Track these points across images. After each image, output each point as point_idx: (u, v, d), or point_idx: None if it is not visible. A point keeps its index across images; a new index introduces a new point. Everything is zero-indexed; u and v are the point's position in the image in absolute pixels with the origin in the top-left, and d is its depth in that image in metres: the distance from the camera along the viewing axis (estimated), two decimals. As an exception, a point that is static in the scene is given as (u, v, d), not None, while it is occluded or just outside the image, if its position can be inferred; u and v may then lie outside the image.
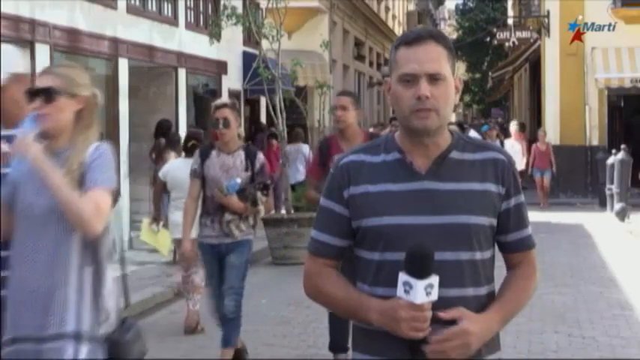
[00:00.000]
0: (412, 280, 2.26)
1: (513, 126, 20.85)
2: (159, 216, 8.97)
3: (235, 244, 6.40)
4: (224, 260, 6.43)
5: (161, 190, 8.81)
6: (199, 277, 7.83)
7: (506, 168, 2.51)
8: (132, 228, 13.20)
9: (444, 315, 2.32)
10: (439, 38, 2.44)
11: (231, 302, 6.37)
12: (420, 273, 2.26)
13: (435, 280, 2.27)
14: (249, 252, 6.56)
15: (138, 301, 9.06)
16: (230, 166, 6.36)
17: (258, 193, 6.30)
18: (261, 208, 6.41)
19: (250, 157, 6.43)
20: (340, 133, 6.29)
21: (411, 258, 2.27)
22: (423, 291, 2.25)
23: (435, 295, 2.28)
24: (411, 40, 2.43)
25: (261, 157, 6.49)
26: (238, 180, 6.25)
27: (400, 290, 2.28)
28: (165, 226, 8.93)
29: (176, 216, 8.04)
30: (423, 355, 2.34)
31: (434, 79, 2.39)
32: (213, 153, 6.44)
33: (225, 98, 6.87)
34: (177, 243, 8.20)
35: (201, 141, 8.39)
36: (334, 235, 2.51)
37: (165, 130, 13.31)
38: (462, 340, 2.32)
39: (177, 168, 8.25)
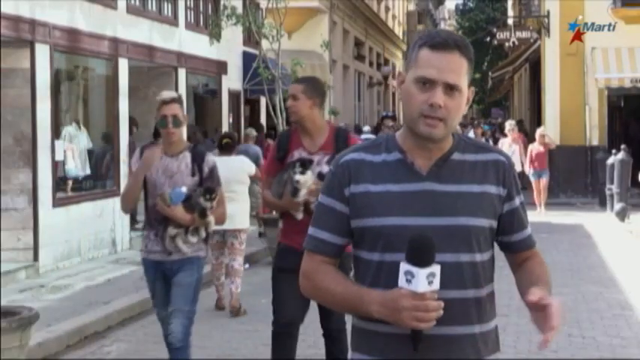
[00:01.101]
0: (414, 269, 2.25)
1: (509, 125, 19.98)
2: None
3: (184, 261, 5.54)
4: (172, 279, 5.59)
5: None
6: (238, 262, 8.95)
7: (507, 169, 2.51)
8: (132, 228, 13.20)
9: (531, 298, 2.39)
10: (464, 49, 2.42)
11: (178, 327, 5.55)
12: (422, 261, 2.26)
13: (436, 269, 2.27)
14: (201, 270, 5.70)
15: (138, 301, 9.07)
16: (174, 172, 5.48)
17: (205, 202, 5.43)
18: (211, 219, 5.52)
19: (198, 160, 5.54)
20: (301, 126, 5.42)
21: (413, 247, 2.27)
22: (425, 280, 2.24)
23: (436, 285, 2.27)
24: (437, 44, 2.40)
25: (210, 159, 5.61)
26: (183, 189, 5.41)
27: (402, 280, 2.27)
28: None
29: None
30: (425, 346, 2.33)
31: (451, 89, 2.38)
32: (149, 151, 5.54)
33: (171, 92, 6.17)
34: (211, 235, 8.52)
35: (235, 140, 9.43)
36: (334, 232, 2.51)
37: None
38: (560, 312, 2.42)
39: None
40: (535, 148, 18.10)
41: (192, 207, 5.42)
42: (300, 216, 5.24)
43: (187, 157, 5.54)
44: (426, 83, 2.38)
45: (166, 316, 5.61)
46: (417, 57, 2.42)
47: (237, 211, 8.60)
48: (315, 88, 5.49)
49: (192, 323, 5.70)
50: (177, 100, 5.55)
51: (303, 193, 5.14)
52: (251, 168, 9.24)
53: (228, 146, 9.01)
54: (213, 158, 5.66)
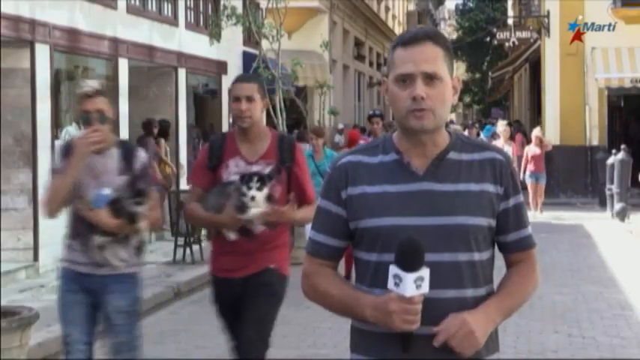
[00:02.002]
0: (401, 273, 2.26)
1: (501, 126, 19.49)
2: None
3: (116, 278, 4.66)
4: (101, 300, 4.67)
5: None
6: None
7: (505, 168, 2.51)
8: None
9: (436, 329, 2.33)
10: (436, 38, 2.43)
11: None
12: (410, 266, 2.26)
13: (425, 273, 2.27)
14: (138, 288, 4.84)
15: (138, 301, 9.07)
16: (100, 171, 4.67)
17: (134, 205, 4.63)
18: (143, 225, 4.67)
19: (127, 157, 4.74)
20: (241, 131, 4.65)
21: (401, 251, 2.28)
22: (412, 284, 2.26)
23: (425, 288, 2.28)
24: (407, 40, 2.42)
25: (142, 155, 4.81)
26: (106, 191, 4.60)
27: (390, 283, 2.29)
28: None
29: None
30: (415, 348, 2.34)
31: (430, 79, 2.39)
32: (79, 139, 4.72)
33: (94, 82, 5.02)
34: None
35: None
36: (331, 235, 2.52)
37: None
38: (465, 330, 2.31)
39: None
40: (531, 150, 17.57)
41: (120, 211, 4.60)
42: (232, 236, 4.58)
43: (115, 153, 4.73)
44: (406, 80, 2.39)
45: (78, 341, 4.70)
46: (392, 59, 2.45)
47: None
48: (264, 85, 4.90)
49: (139, 353, 4.85)
50: (103, 92, 4.72)
51: (252, 213, 4.43)
52: None
53: None
54: (144, 154, 4.87)
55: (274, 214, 4.48)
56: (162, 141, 14.16)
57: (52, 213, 4.71)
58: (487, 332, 2.38)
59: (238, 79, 4.83)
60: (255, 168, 4.56)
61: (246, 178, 4.48)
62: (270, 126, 5.63)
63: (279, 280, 4.74)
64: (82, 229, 4.65)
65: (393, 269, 2.28)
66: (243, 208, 4.44)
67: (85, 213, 4.59)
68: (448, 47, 2.46)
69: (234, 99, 4.67)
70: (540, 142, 17.50)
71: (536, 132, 18.08)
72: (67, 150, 4.67)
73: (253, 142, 4.66)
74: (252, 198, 4.42)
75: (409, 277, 2.25)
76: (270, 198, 4.50)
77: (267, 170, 4.56)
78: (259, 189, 4.44)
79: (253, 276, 4.64)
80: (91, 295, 4.67)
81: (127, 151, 4.78)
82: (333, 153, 10.52)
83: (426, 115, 2.39)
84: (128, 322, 4.73)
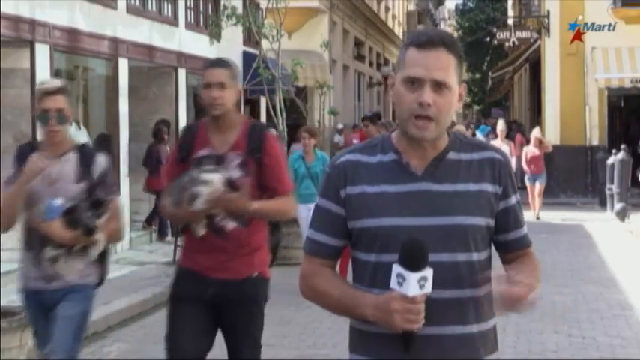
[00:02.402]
0: (405, 272, 2.26)
1: (500, 125, 18.88)
2: None
3: (68, 290, 4.39)
4: (53, 314, 4.40)
5: None
6: None
7: (503, 167, 2.51)
8: (132, 228, 13.20)
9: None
10: (451, 45, 2.41)
11: None
12: (414, 265, 2.26)
13: (429, 273, 2.28)
14: (90, 302, 4.55)
15: (138, 301, 9.07)
16: (56, 178, 4.33)
17: (90, 217, 4.31)
18: (100, 237, 4.36)
19: (86, 162, 4.39)
20: (213, 120, 4.32)
21: (405, 250, 2.28)
22: (416, 283, 2.26)
23: (428, 288, 2.28)
24: (422, 43, 2.40)
25: (102, 160, 4.45)
26: (58, 201, 4.25)
27: (394, 282, 2.29)
28: None
29: None
30: (416, 350, 2.34)
31: (439, 87, 2.37)
32: (34, 157, 4.32)
33: (56, 80, 4.82)
34: None
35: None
36: (330, 234, 2.51)
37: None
38: (525, 283, 2.32)
39: None
40: (530, 150, 17.14)
41: (75, 223, 4.27)
42: (200, 232, 4.20)
43: (73, 159, 4.39)
44: (415, 82, 2.38)
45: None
46: (404, 58, 2.42)
47: None
48: (237, 72, 4.56)
49: None
50: (64, 90, 4.38)
51: (201, 201, 4.01)
52: None
53: None
54: (105, 160, 4.50)
55: (223, 200, 4.03)
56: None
57: (3, 228, 4.43)
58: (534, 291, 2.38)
59: (210, 65, 4.44)
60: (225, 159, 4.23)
61: (195, 163, 4.16)
62: (250, 119, 5.34)
63: (263, 288, 4.40)
64: (34, 241, 4.38)
65: (397, 268, 2.28)
66: (192, 198, 4.02)
67: (37, 224, 4.30)
68: (460, 55, 2.45)
69: (205, 85, 4.30)
70: (540, 144, 17.11)
71: (535, 133, 17.71)
72: (22, 156, 4.38)
73: (224, 132, 4.29)
74: (206, 182, 4.00)
75: (413, 277, 2.25)
76: (232, 185, 4.10)
77: (235, 161, 4.21)
78: (214, 171, 4.06)
79: (235, 284, 4.23)
80: (47, 310, 4.41)
81: (85, 156, 4.42)
82: (324, 155, 10.33)
83: (428, 125, 2.37)
84: (70, 329, 4.36)
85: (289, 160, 10.21)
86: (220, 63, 4.48)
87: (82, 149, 4.48)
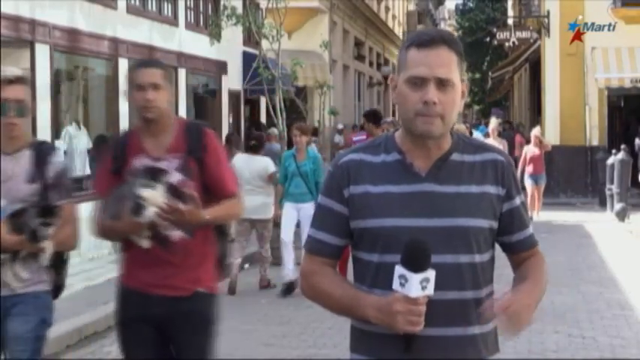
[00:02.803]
0: (408, 274, 2.26)
1: (493, 123, 17.94)
2: None
3: (18, 299, 3.95)
4: (3, 325, 3.99)
5: None
6: (265, 249, 10.05)
7: (506, 169, 2.51)
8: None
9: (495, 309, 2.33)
10: (451, 43, 2.42)
11: None
12: (416, 267, 2.26)
13: (431, 274, 2.27)
14: (46, 311, 4.10)
15: (138, 301, 9.07)
16: (9, 175, 3.94)
17: (38, 224, 3.88)
18: (48, 244, 3.93)
19: (40, 161, 3.99)
20: (146, 125, 3.94)
21: (408, 252, 2.28)
22: (418, 285, 2.26)
23: (430, 290, 2.28)
24: (423, 42, 2.40)
25: (57, 161, 4.08)
26: (2, 203, 3.90)
27: (396, 283, 2.29)
28: None
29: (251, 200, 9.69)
30: (418, 350, 2.34)
31: (442, 84, 2.37)
32: None
33: (15, 68, 4.05)
34: (240, 222, 9.56)
35: (262, 142, 10.16)
36: (332, 233, 2.51)
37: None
38: (527, 307, 2.34)
39: (241, 162, 9.85)
40: (530, 150, 16.65)
41: (21, 227, 3.87)
42: (145, 243, 3.83)
43: (27, 156, 3.98)
44: (418, 82, 2.38)
45: None
46: (406, 58, 2.42)
47: (265, 202, 9.83)
48: (170, 72, 4.18)
49: None
50: (24, 80, 4.01)
51: (150, 212, 3.69)
52: (271, 170, 10.03)
53: (255, 147, 10.14)
54: (61, 160, 4.18)
55: (172, 212, 3.71)
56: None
57: None
58: (533, 310, 2.40)
59: (141, 64, 4.05)
60: (162, 164, 3.86)
61: (131, 176, 3.81)
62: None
63: (212, 304, 4.00)
64: None
65: (399, 269, 2.28)
66: (137, 208, 3.70)
67: None
68: (461, 52, 2.45)
69: (138, 87, 3.89)
70: (540, 143, 16.73)
71: (535, 132, 17.29)
72: None
73: (159, 136, 3.93)
74: (141, 198, 3.68)
75: (415, 278, 2.25)
76: (177, 193, 3.76)
77: (174, 165, 3.86)
78: (149, 186, 3.72)
79: (181, 301, 3.86)
80: None
81: (41, 154, 3.99)
82: (316, 153, 10.19)
83: (435, 121, 2.38)
84: (27, 348, 4.02)
85: (282, 158, 10.11)
86: (153, 63, 4.20)
87: (38, 146, 4.06)
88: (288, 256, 9.65)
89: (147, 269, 3.85)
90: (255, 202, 9.43)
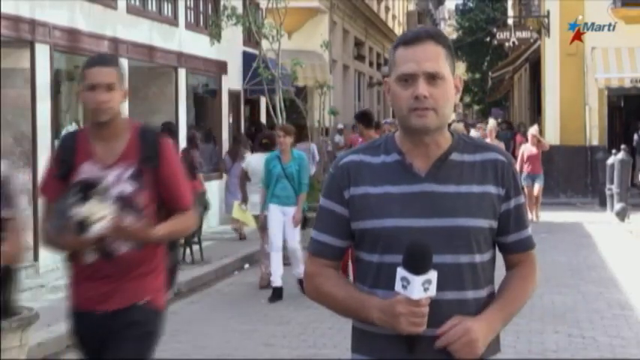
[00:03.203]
0: (409, 276, 2.26)
1: (490, 124, 17.98)
2: (245, 198, 10.95)
3: None
4: None
5: (244, 178, 10.93)
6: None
7: (506, 169, 2.51)
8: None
9: (440, 332, 2.33)
10: (437, 37, 2.43)
11: None
12: (418, 269, 2.27)
13: (433, 276, 2.28)
14: None
15: (138, 301, 9.07)
16: None
17: None
18: None
19: None
20: (97, 128, 3.66)
21: (409, 253, 2.28)
22: (420, 286, 2.26)
23: (433, 291, 2.28)
24: (409, 39, 2.43)
25: (3, 169, 3.79)
26: None
27: (398, 285, 2.29)
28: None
29: (254, 197, 10.47)
30: (420, 351, 2.35)
31: (432, 78, 2.39)
32: None
33: None
34: (256, 218, 10.44)
35: (274, 141, 10.30)
36: (334, 235, 2.51)
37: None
38: (467, 338, 2.33)
39: (255, 161, 10.43)
40: (527, 149, 16.47)
41: None
42: (89, 257, 3.60)
43: None
44: (408, 79, 2.40)
45: None
46: (394, 59, 2.45)
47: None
48: (124, 71, 3.90)
49: None
50: None
51: (95, 228, 3.43)
52: None
53: (267, 145, 10.58)
54: (7, 168, 3.86)
55: (118, 230, 3.48)
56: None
57: None
58: (488, 341, 2.40)
59: (94, 63, 3.70)
60: (112, 173, 3.58)
61: (69, 191, 3.50)
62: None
63: (152, 317, 3.72)
64: None
65: (401, 272, 2.28)
66: (82, 226, 3.43)
67: None
68: (449, 46, 2.46)
69: (90, 87, 3.59)
70: (538, 142, 16.50)
71: (532, 130, 17.11)
72: None
73: (110, 141, 3.63)
74: (76, 216, 3.40)
75: (417, 280, 2.26)
76: (128, 205, 3.54)
77: (126, 174, 3.59)
78: (81, 203, 3.41)
79: (120, 313, 3.61)
80: None
81: None
82: (301, 154, 9.89)
83: (428, 113, 2.38)
84: None
85: (265, 161, 9.80)
86: (107, 61, 3.78)
87: None
88: (277, 261, 9.49)
89: (90, 283, 3.62)
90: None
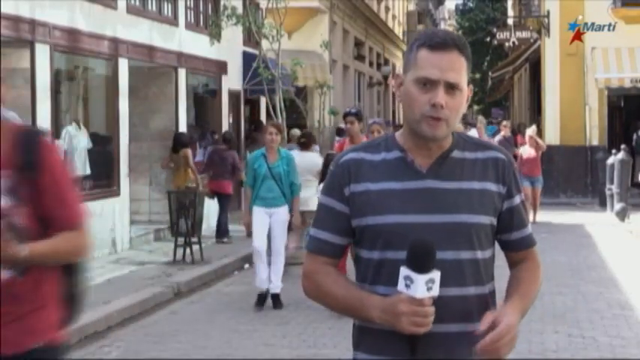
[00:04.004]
0: (413, 275, 2.26)
1: (479, 122, 17.98)
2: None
3: None
4: None
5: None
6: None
7: (507, 167, 2.52)
8: (132, 228, 13.20)
9: (478, 332, 2.32)
10: (462, 48, 2.42)
11: None
12: (422, 267, 2.26)
13: (436, 275, 2.27)
14: None
15: (138, 301, 9.07)
16: None
17: None
18: None
19: None
20: None
21: (413, 252, 2.28)
22: (423, 286, 2.25)
23: (436, 291, 2.28)
24: (435, 44, 2.40)
25: None
26: None
27: (401, 284, 2.28)
28: None
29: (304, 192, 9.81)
30: (423, 351, 2.34)
31: (452, 88, 2.38)
32: None
33: None
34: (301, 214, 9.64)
35: (311, 139, 11.04)
36: (334, 233, 2.51)
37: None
38: (512, 335, 2.33)
39: (297, 158, 9.75)
40: (526, 151, 15.93)
41: None
42: None
43: None
44: (427, 84, 2.38)
45: None
46: (416, 58, 2.42)
47: (313, 194, 9.76)
48: None
49: None
50: None
51: None
52: (319, 165, 10.19)
53: (305, 144, 10.90)
54: None
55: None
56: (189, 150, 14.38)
57: None
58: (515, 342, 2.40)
59: None
60: None
61: None
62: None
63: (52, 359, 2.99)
64: None
65: (404, 271, 2.27)
66: None
67: None
68: (470, 58, 2.46)
69: None
70: (536, 143, 15.98)
71: (529, 132, 16.52)
72: None
73: None
74: None
75: (421, 279, 2.25)
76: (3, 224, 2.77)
77: (6, 186, 2.84)
78: None
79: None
80: None
81: None
82: (288, 153, 9.43)
83: (441, 124, 2.38)
84: None
85: (248, 160, 9.48)
86: None
87: None
88: (261, 265, 9.06)
89: None
90: (305, 194, 9.74)
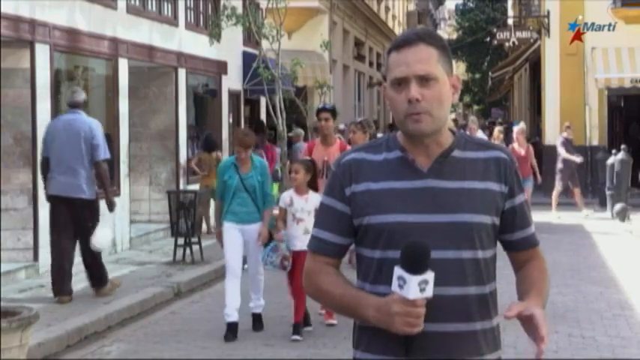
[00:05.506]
0: (406, 275, 2.25)
1: (472, 123, 17.30)
2: None
3: None
4: None
5: None
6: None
7: (509, 167, 2.52)
8: (132, 228, 13.19)
9: (509, 314, 2.35)
10: (428, 39, 2.42)
11: None
12: (415, 268, 2.26)
13: (430, 276, 2.27)
14: None
15: (138, 301, 9.07)
16: None
17: None
18: None
19: None
20: None
21: (407, 253, 2.27)
22: (416, 287, 2.25)
23: (429, 292, 2.27)
24: (399, 43, 2.43)
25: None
26: None
27: (395, 285, 2.28)
28: None
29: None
30: (417, 350, 2.34)
31: (425, 80, 2.38)
32: None
33: None
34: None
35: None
36: (335, 232, 2.51)
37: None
38: (546, 327, 2.43)
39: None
40: (516, 149, 14.65)
41: None
42: None
43: None
44: (401, 83, 2.40)
45: None
46: (388, 63, 2.46)
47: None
48: None
49: None
50: None
51: None
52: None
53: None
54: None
55: None
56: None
57: None
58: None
59: None
60: None
61: None
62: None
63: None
64: None
65: (398, 271, 2.27)
66: None
67: None
68: (443, 46, 2.45)
69: None
70: (525, 140, 15.06)
71: (517, 129, 15.42)
72: None
73: None
74: None
75: (414, 280, 2.25)
76: None
77: None
78: None
79: None
80: None
81: None
82: (262, 161, 8.19)
83: (423, 118, 2.39)
84: None
85: (218, 169, 8.47)
86: None
87: None
88: (234, 290, 7.81)
89: None
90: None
